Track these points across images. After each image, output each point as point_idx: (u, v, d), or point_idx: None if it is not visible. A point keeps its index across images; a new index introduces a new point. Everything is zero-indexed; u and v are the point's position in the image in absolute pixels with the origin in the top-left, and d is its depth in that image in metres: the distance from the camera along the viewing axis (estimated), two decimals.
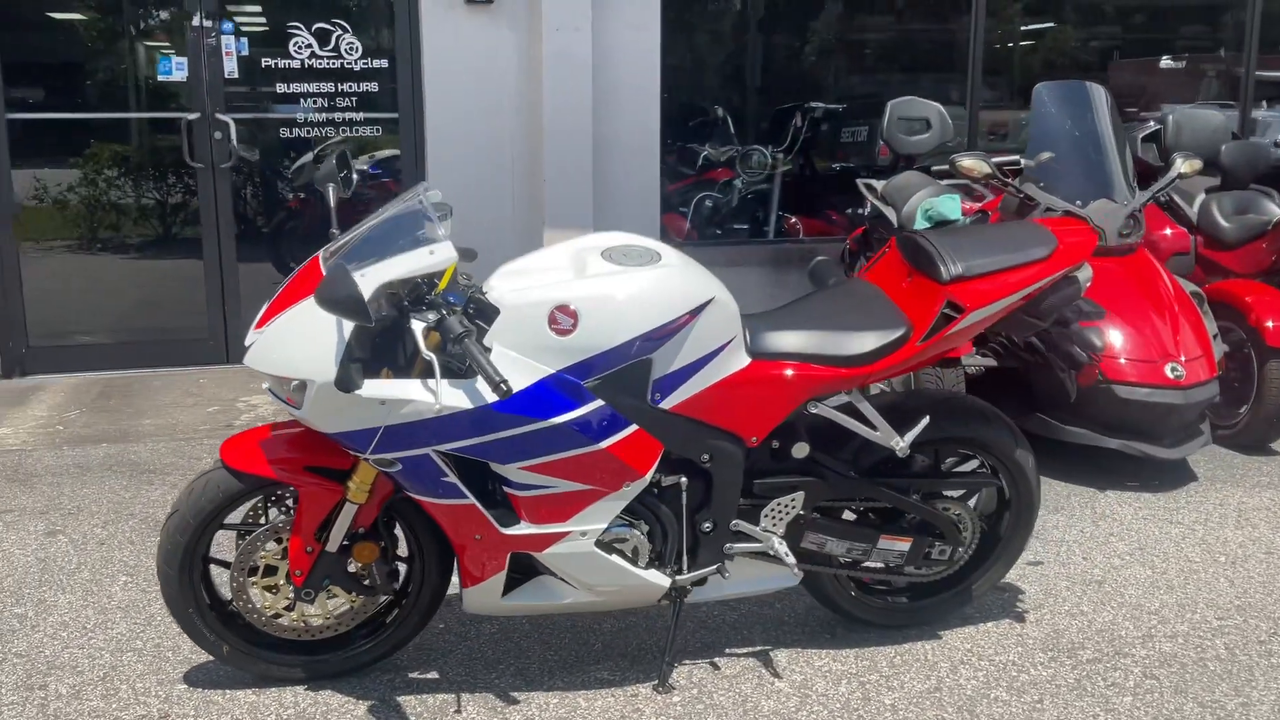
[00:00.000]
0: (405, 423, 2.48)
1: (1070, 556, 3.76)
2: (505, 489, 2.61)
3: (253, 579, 2.79)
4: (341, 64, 6.24)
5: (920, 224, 4.76)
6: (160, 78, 6.06)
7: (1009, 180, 4.76)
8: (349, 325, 2.42)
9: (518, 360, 2.53)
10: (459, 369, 2.49)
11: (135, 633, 3.18)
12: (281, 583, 2.79)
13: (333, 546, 2.72)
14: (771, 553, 2.87)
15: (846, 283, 3.01)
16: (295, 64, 6.19)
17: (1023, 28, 8.16)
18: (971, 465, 3.14)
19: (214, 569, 2.86)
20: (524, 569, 2.77)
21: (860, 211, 6.12)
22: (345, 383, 2.41)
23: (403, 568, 2.91)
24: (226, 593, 2.85)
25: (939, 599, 3.20)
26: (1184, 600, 3.44)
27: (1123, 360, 4.28)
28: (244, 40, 6.09)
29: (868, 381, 2.82)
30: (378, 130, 6.40)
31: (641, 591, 2.81)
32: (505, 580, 2.75)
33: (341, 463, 2.67)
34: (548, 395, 2.52)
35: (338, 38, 6.22)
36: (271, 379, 2.54)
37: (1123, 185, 4.70)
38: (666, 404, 2.64)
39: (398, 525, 2.83)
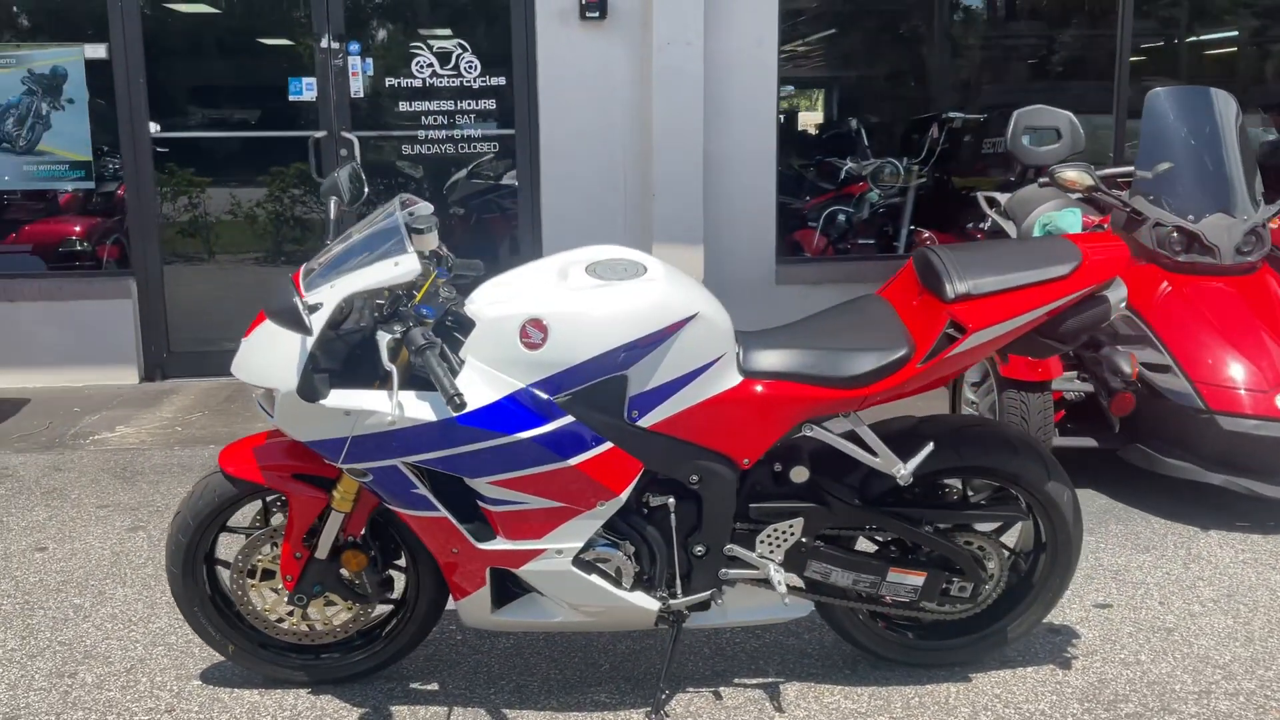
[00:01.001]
0: (372, 433, 2.49)
1: (1145, 600, 3.45)
2: (480, 503, 2.59)
3: (252, 581, 2.86)
4: (461, 82, 6.40)
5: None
6: (291, 97, 6.35)
7: (1113, 193, 4.44)
8: (312, 336, 2.45)
9: (489, 374, 2.51)
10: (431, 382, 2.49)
11: (172, 628, 3.31)
12: (279, 587, 2.85)
13: (322, 553, 2.76)
14: (767, 580, 2.74)
15: (859, 300, 2.86)
16: (417, 82, 6.38)
17: (1178, 35, 7.63)
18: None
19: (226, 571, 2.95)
20: (519, 584, 2.75)
21: (982, 226, 5.85)
22: (307, 392, 2.45)
23: (401, 577, 2.92)
24: None
25: (968, 639, 2.99)
26: (1260, 655, 3.10)
27: (1229, 389, 3.91)
28: (369, 60, 6.32)
29: (866, 404, 2.66)
30: (495, 146, 6.52)
31: (629, 614, 2.73)
32: (495, 594, 2.73)
33: (329, 471, 2.71)
34: (514, 410, 2.49)
35: (458, 56, 6.38)
36: (255, 387, 2.60)
37: (1244, 199, 4.32)
38: (646, 421, 2.57)
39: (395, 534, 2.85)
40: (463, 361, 2.53)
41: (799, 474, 2.73)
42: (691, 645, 3.17)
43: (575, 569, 2.64)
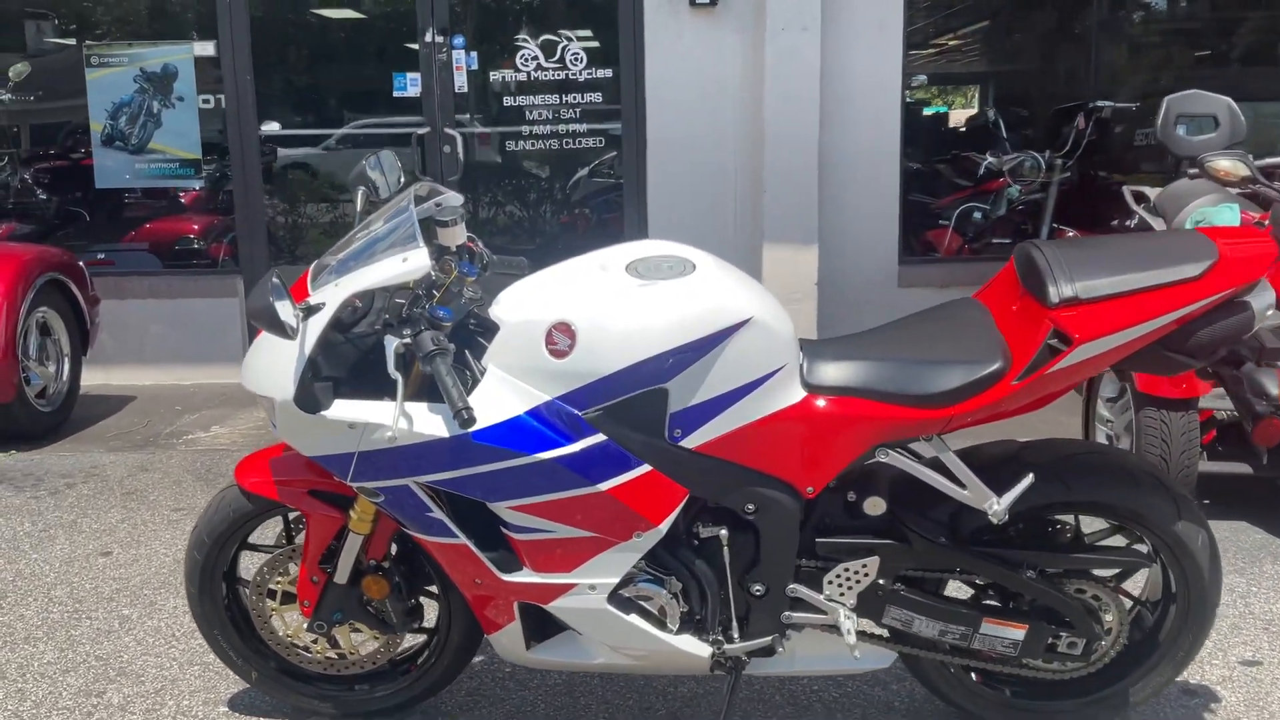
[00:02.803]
0: (380, 449, 2.23)
1: None
2: (504, 530, 2.30)
3: (272, 604, 2.64)
4: (566, 75, 6.16)
5: None
6: (396, 93, 6.21)
7: (1275, 185, 3.88)
8: (311, 341, 2.20)
9: (512, 384, 2.22)
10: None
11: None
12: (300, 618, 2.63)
13: (341, 578, 2.52)
14: (836, 625, 2.38)
15: (950, 304, 2.46)
16: (522, 76, 6.17)
17: None
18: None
19: None
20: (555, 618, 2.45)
21: (1128, 224, 5.29)
22: (306, 402, 2.20)
23: (432, 604, 2.66)
24: None
25: (1080, 701, 2.56)
26: None
27: None
28: (474, 55, 6.13)
29: (951, 426, 2.27)
30: (600, 141, 6.26)
31: (677, 659, 2.40)
32: (529, 629, 2.44)
33: (346, 489, 2.46)
34: (536, 426, 2.19)
35: (563, 48, 6.14)
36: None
37: None
38: (690, 442, 2.23)
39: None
40: (484, 370, 2.24)
41: (874, 505, 2.36)
42: (760, 692, 2.82)
43: (611, 607, 2.33)
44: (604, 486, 2.20)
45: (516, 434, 2.18)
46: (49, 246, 5.54)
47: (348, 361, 2.30)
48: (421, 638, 2.73)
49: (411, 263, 2.16)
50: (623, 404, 2.20)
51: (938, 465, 2.31)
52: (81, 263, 5.57)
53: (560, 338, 2.19)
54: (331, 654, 2.68)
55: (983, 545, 2.38)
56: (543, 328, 2.20)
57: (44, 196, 6.71)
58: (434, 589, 2.63)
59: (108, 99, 6.20)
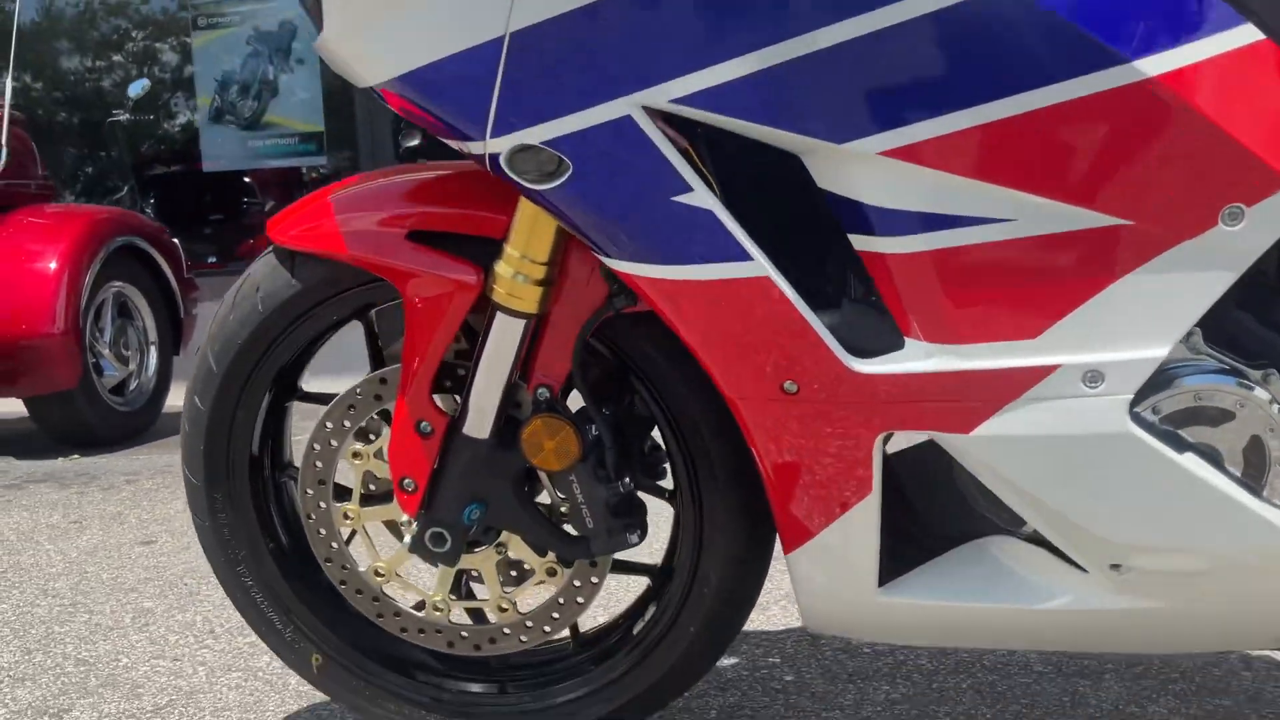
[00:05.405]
0: (566, 11, 0.92)
1: None
2: (862, 244, 0.94)
3: (345, 506, 1.32)
4: None
5: None
6: None
7: None
8: None
9: None
10: None
11: (255, 650, 1.83)
12: (398, 518, 1.29)
13: (477, 424, 1.19)
14: None
15: None
16: None
17: None
18: None
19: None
20: (912, 540, 1.11)
21: None
22: None
23: (656, 525, 1.30)
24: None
25: None
26: None
27: None
28: None
29: None
30: None
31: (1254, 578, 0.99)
32: (889, 530, 1.08)
33: (483, 223, 1.15)
34: None
35: None
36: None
37: None
38: None
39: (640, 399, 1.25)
40: None
41: None
42: None
43: (1139, 430, 0.93)
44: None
45: None
46: (132, 211, 4.50)
47: None
48: (639, 587, 1.38)
49: None
50: None
51: None
52: (175, 240, 4.52)
53: None
54: (461, 612, 1.35)
55: None
56: None
57: (152, 202, 5.78)
58: (661, 479, 1.29)
59: (216, 67, 5.25)
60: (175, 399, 4.28)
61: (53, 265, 3.82)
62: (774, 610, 1.86)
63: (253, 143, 5.29)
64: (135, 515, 2.90)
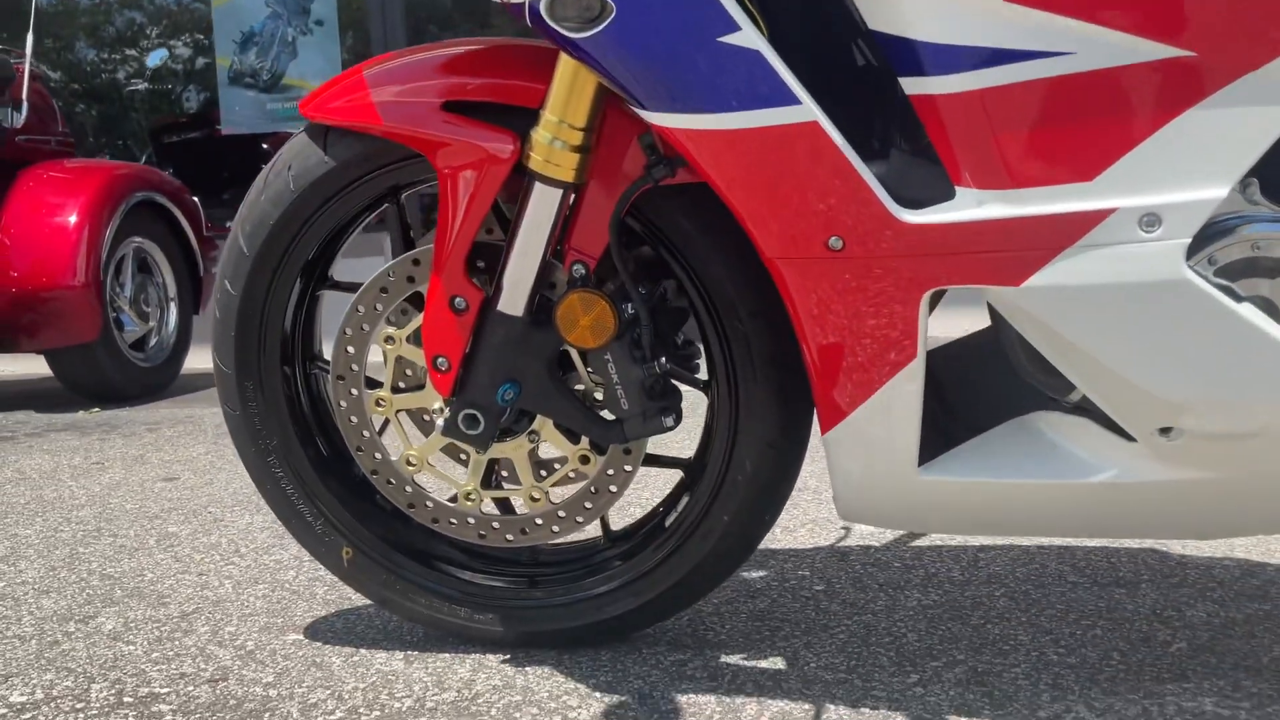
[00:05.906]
0: None
1: None
2: (913, 86, 0.92)
3: (378, 394, 1.30)
4: None
5: None
6: None
7: None
8: None
9: None
10: None
11: (297, 560, 1.83)
12: (431, 404, 1.28)
13: (513, 300, 1.17)
14: None
15: None
16: None
17: None
18: None
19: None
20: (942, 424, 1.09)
21: None
22: None
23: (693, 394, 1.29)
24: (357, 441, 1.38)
25: None
26: None
27: None
28: None
29: None
30: None
31: None
32: (936, 402, 1.06)
33: (520, 92, 1.13)
34: None
35: None
36: None
37: None
38: None
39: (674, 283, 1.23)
40: None
41: None
42: None
43: (1196, 277, 0.91)
44: None
45: None
46: (152, 168, 4.50)
47: None
48: (671, 482, 1.36)
49: None
50: None
51: None
52: (195, 198, 4.51)
53: None
54: (492, 504, 1.33)
55: None
56: None
57: (170, 168, 5.78)
58: (695, 373, 1.27)
59: (235, 28, 5.24)
60: (194, 358, 4.28)
61: (73, 218, 3.82)
62: (800, 533, 1.84)
63: (271, 105, 5.28)
64: (157, 457, 2.89)
